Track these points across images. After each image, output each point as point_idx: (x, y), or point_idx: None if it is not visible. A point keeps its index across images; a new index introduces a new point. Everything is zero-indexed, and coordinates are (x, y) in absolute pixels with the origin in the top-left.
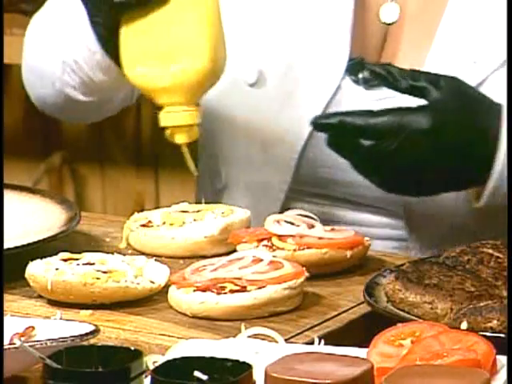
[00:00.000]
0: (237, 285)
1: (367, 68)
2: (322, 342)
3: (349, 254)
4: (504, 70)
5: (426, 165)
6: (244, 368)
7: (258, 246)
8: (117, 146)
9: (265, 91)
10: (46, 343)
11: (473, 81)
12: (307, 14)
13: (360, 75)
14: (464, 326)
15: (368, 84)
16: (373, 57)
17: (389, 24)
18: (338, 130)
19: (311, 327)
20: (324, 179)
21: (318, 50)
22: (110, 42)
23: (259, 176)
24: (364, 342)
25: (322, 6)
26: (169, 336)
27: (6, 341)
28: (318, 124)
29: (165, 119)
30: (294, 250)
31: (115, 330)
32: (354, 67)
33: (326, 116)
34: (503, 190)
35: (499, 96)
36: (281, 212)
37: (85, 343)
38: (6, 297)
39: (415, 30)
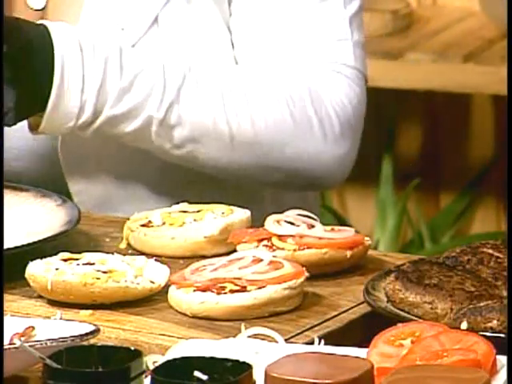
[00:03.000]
0: (237, 285)
1: None
2: (322, 342)
3: (349, 254)
4: (151, 34)
5: None
6: (244, 368)
7: (258, 246)
8: None
9: None
10: (46, 343)
11: (130, 40)
12: None
13: None
14: (464, 326)
15: None
16: None
17: (39, 10)
18: None
19: (311, 327)
20: None
21: None
22: None
23: None
24: (364, 342)
25: None
26: (169, 336)
27: (6, 341)
28: None
29: None
30: (294, 250)
31: (115, 330)
32: None
33: None
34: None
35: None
36: None
37: (85, 343)
38: (6, 297)
39: (66, 12)
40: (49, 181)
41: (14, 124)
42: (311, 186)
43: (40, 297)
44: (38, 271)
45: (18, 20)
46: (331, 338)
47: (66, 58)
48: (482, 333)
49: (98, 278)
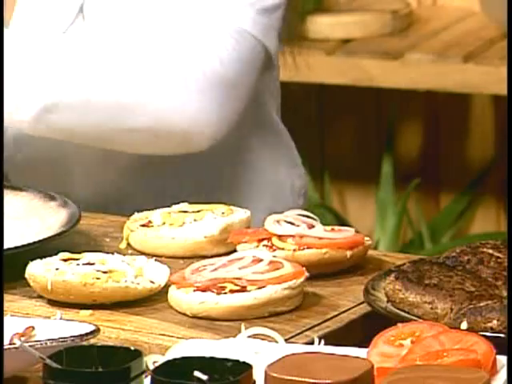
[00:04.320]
0: (237, 285)
1: None
2: (322, 341)
3: (349, 254)
4: (76, 25)
5: None
6: (244, 368)
7: (258, 246)
8: None
9: None
10: (46, 343)
11: (59, 29)
12: None
13: None
14: (464, 326)
15: None
16: None
17: None
18: None
19: (311, 327)
20: None
21: None
22: None
23: None
24: (364, 342)
25: None
26: (169, 336)
27: (6, 341)
28: None
29: None
30: (294, 250)
31: (115, 330)
32: None
33: None
34: None
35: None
36: None
37: (85, 343)
38: (6, 297)
39: None
40: None
41: None
42: (181, 143)
43: (40, 297)
44: (38, 271)
45: None
46: (331, 338)
47: None
48: (481, 333)
49: (98, 278)
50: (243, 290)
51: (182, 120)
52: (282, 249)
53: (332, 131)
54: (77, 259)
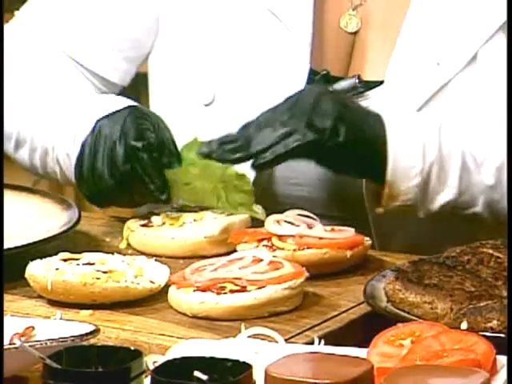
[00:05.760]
0: (237, 285)
1: (333, 81)
2: (322, 341)
3: (349, 254)
4: (468, 72)
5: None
6: (244, 368)
7: (258, 246)
8: None
9: (220, 111)
10: (46, 343)
11: (437, 83)
12: (262, 31)
13: (330, 88)
14: (464, 326)
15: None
16: (336, 67)
17: (351, 33)
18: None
19: (311, 327)
20: (287, 197)
21: (276, 65)
22: None
23: None
24: (364, 342)
25: (278, 23)
26: (169, 336)
27: (6, 341)
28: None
29: None
30: (294, 250)
31: (115, 330)
32: (320, 81)
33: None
34: (398, 191)
35: (464, 97)
36: None
37: (85, 343)
38: (6, 297)
39: (380, 38)
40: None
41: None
42: None
43: (40, 297)
44: (38, 271)
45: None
46: (331, 338)
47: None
48: (482, 333)
49: (98, 278)
50: (243, 290)
51: None
52: (282, 249)
53: None
54: (77, 259)
